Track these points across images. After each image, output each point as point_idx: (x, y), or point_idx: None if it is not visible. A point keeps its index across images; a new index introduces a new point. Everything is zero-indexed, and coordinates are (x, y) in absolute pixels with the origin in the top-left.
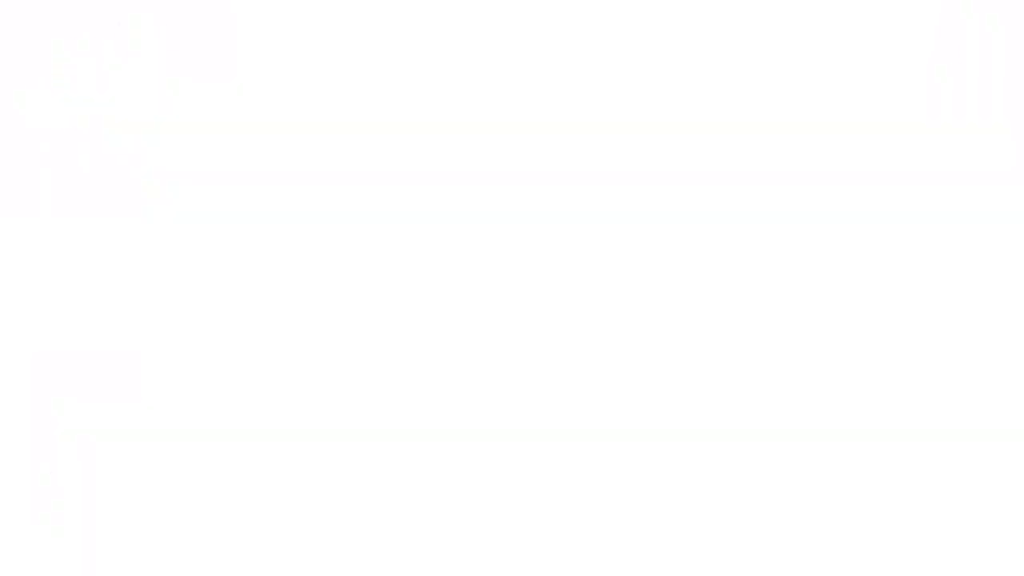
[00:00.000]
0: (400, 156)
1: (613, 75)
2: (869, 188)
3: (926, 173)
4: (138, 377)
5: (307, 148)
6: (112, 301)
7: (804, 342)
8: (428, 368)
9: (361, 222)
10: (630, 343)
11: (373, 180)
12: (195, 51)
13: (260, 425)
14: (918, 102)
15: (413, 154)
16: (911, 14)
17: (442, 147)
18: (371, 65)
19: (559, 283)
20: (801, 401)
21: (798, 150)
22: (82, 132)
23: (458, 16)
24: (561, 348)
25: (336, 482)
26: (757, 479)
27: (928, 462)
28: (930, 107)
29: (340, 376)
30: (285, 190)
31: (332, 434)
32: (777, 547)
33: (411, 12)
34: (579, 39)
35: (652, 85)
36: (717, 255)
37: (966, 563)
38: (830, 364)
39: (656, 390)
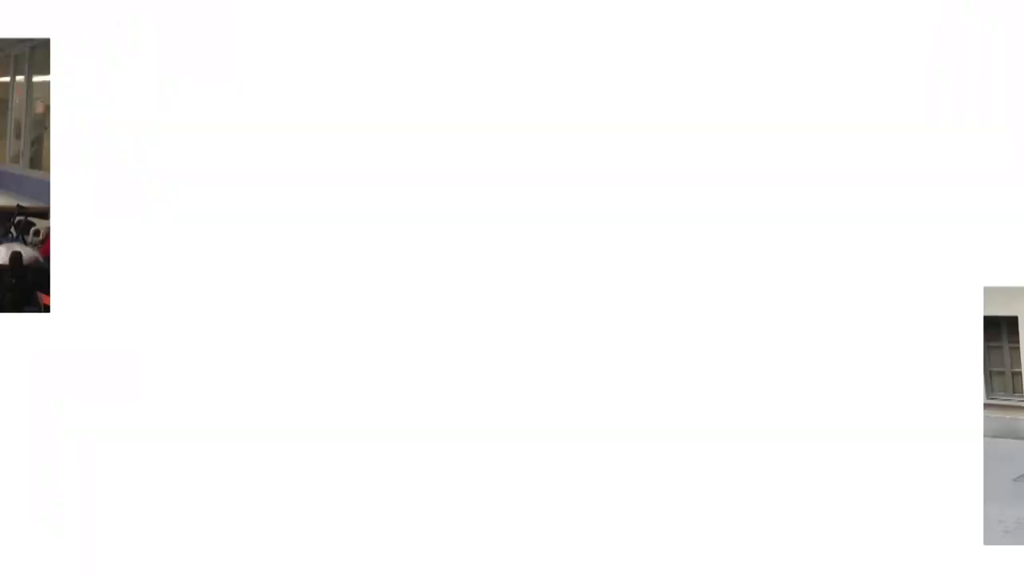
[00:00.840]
0: (400, 156)
1: (613, 75)
2: (869, 188)
3: (926, 173)
4: (138, 377)
5: (307, 148)
6: (112, 301)
7: (804, 342)
8: (428, 368)
9: (361, 222)
10: (630, 343)
11: (373, 180)
12: (195, 51)
13: (260, 425)
14: (918, 102)
15: (413, 154)
16: (911, 15)
17: (442, 147)
18: (371, 66)
19: (559, 283)
20: (800, 402)
21: (798, 150)
22: (82, 132)
23: (458, 17)
24: (561, 348)
25: (336, 482)
26: (757, 479)
27: (927, 462)
28: (930, 107)
29: (340, 377)
30: (285, 190)
31: (332, 434)
32: (777, 547)
33: (411, 13)
34: (579, 39)
35: (652, 85)
36: (716, 255)
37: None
38: (830, 364)
39: (656, 390)
